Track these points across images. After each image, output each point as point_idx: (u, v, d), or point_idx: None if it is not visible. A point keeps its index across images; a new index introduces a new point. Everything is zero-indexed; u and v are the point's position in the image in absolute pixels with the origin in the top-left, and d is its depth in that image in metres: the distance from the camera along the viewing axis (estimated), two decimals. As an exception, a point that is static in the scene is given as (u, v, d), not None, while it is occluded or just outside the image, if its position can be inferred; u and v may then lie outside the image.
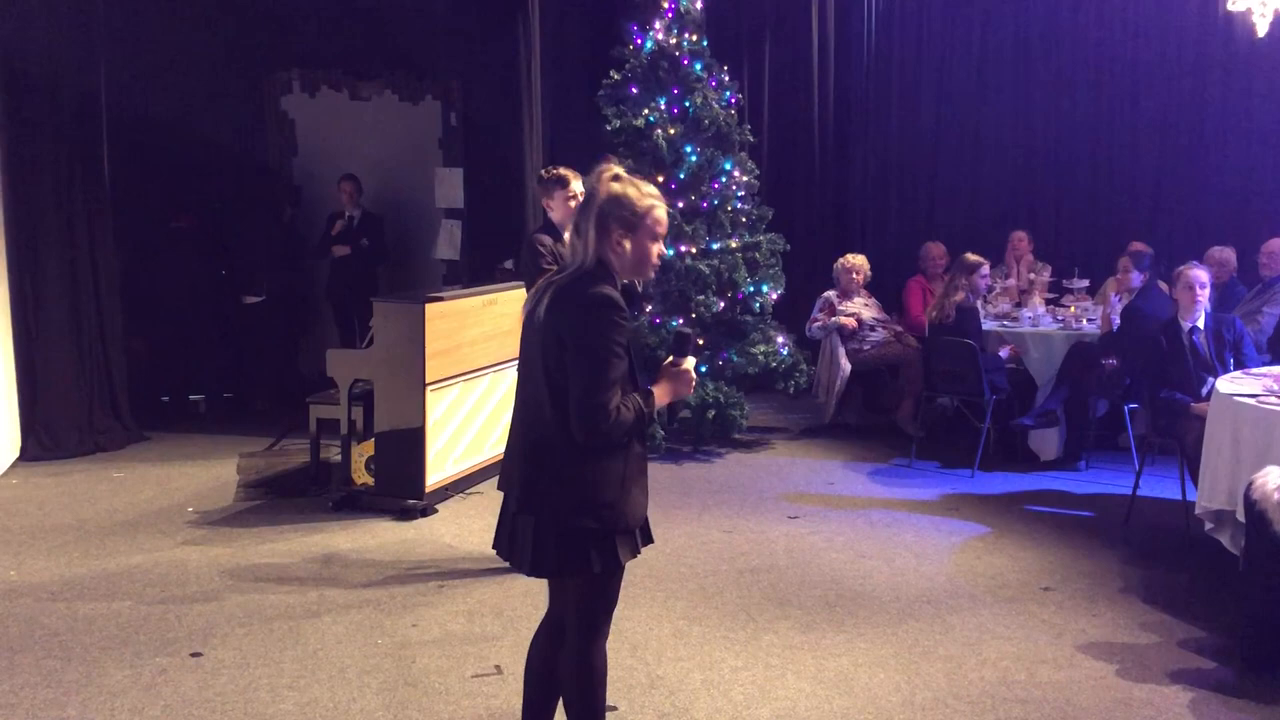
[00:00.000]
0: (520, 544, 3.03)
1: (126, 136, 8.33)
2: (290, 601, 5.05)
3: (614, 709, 3.95)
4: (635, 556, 3.10)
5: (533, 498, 2.99)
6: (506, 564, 3.24)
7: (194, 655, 4.45)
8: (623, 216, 2.97)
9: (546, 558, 2.98)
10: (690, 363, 3.16)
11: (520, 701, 3.96)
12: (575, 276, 2.96)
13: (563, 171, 5.39)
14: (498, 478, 3.22)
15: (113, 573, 5.43)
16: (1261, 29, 7.60)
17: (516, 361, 3.26)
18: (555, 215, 5.37)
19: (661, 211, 3.04)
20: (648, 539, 3.15)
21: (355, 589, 5.21)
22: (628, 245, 2.99)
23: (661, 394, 3.10)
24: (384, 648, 4.54)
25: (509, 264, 8.73)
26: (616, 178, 3.01)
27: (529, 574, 3.07)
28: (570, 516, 2.95)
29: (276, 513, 6.44)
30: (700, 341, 8.05)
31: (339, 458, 6.79)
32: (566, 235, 5.10)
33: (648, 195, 3.02)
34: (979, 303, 7.79)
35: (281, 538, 5.99)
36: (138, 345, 8.91)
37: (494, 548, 3.22)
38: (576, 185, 5.31)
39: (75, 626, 4.75)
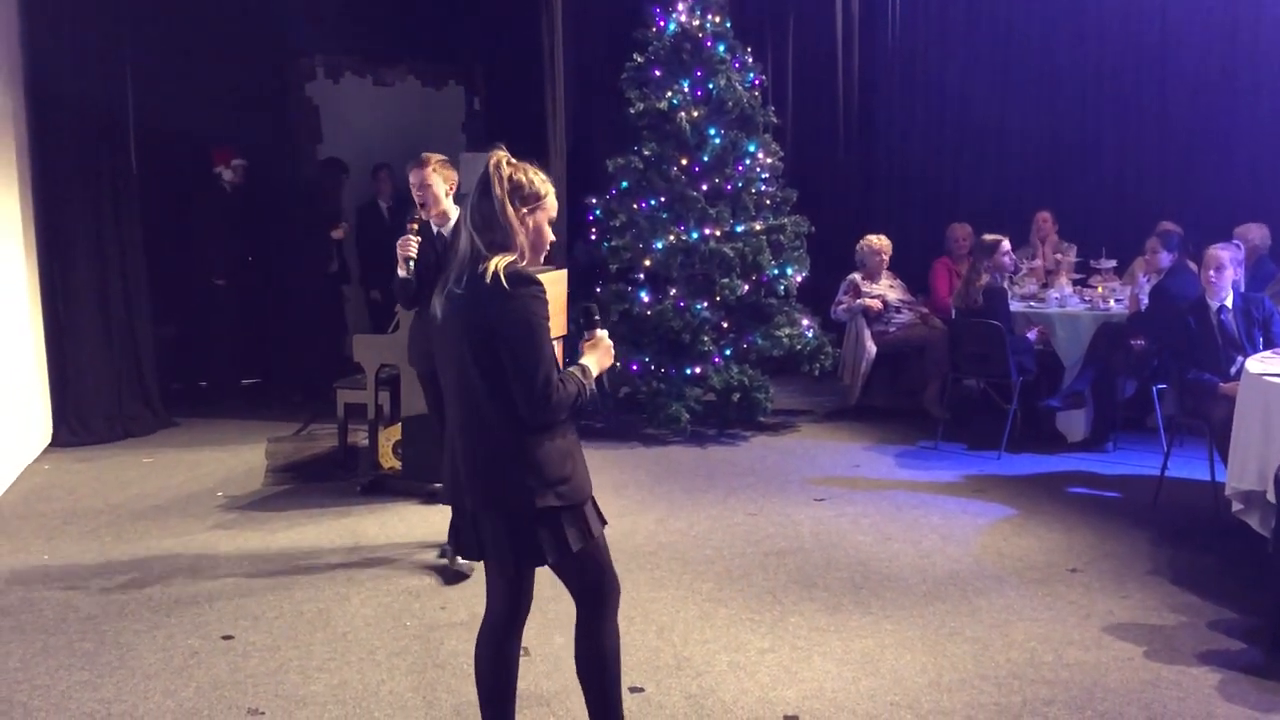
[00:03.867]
0: (493, 541, 3.01)
1: (152, 125, 8.38)
2: (319, 585, 5.10)
3: (640, 690, 3.97)
4: (604, 525, 3.14)
5: (492, 492, 2.98)
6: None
7: (225, 638, 4.50)
8: (524, 196, 3.01)
9: (528, 546, 2.98)
10: (603, 334, 3.20)
11: (546, 683, 4.00)
12: (481, 263, 2.94)
13: (423, 156, 5.25)
14: (442, 490, 3.20)
15: (143, 557, 5.49)
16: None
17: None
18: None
19: (554, 195, 3.12)
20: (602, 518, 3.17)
21: (384, 572, 5.25)
22: (530, 224, 3.03)
23: (590, 363, 3.11)
24: (413, 630, 4.58)
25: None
26: (510, 162, 3.05)
27: (517, 568, 3.07)
28: (534, 499, 2.95)
29: (305, 497, 6.50)
30: (725, 324, 8.04)
31: (366, 442, 6.83)
32: (438, 227, 5.16)
33: (545, 180, 3.09)
34: (1006, 282, 7.73)
35: (310, 522, 6.04)
36: (166, 332, 8.98)
37: (464, 556, 3.21)
38: (421, 176, 5.16)
39: (108, 610, 4.81)
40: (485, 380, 2.94)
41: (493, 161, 3.03)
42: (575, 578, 3.12)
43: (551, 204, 3.09)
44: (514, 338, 2.88)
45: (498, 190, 2.97)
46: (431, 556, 5.43)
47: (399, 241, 5.07)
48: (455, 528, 3.15)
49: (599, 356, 3.15)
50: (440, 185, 5.20)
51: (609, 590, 3.17)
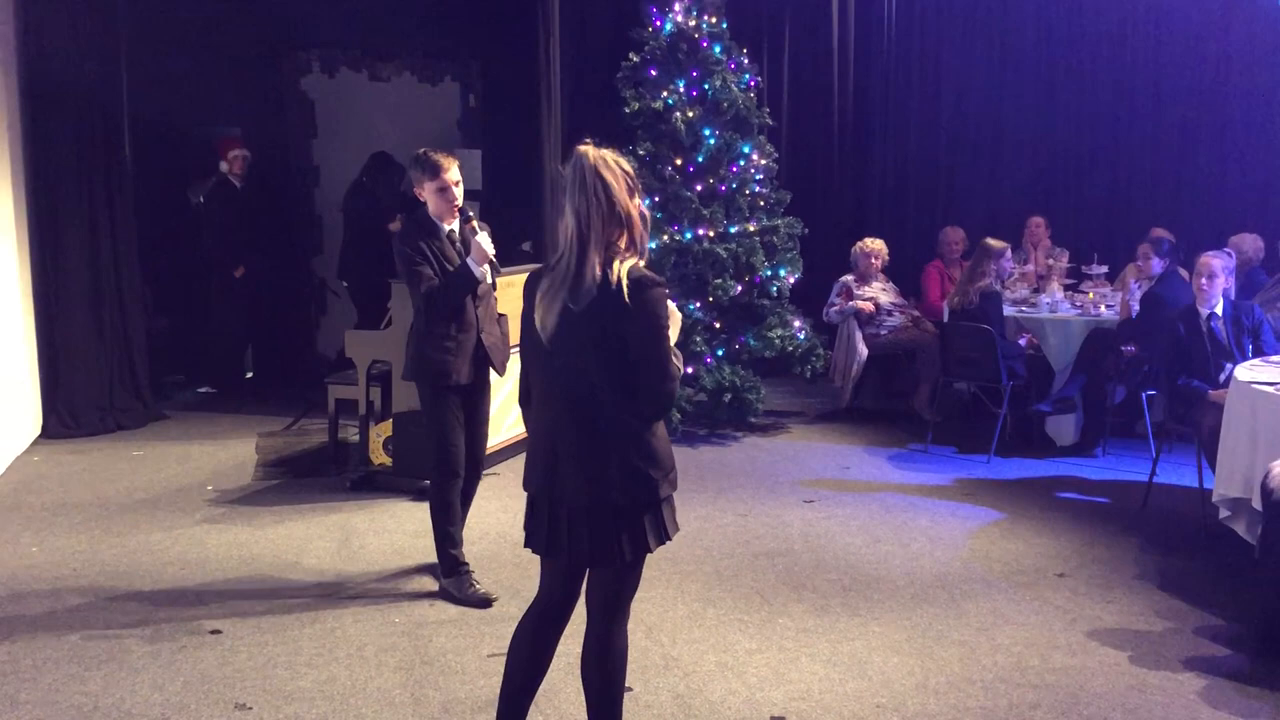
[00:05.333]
0: (604, 534, 2.99)
1: (146, 117, 8.37)
2: (308, 580, 5.10)
3: (628, 690, 3.97)
4: None
5: (616, 487, 2.98)
6: (521, 543, 3.21)
7: (213, 632, 4.50)
8: (638, 188, 3.02)
9: (636, 536, 3.01)
10: (672, 306, 3.17)
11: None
12: (607, 264, 2.93)
13: (435, 156, 4.79)
14: (526, 478, 3.16)
15: (133, 550, 5.48)
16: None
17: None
18: (430, 207, 4.82)
19: None
20: None
21: (373, 568, 5.25)
22: (641, 214, 3.03)
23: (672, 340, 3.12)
24: (401, 627, 4.58)
25: (527, 245, 8.74)
26: (613, 156, 3.01)
27: (621, 563, 3.04)
28: (658, 490, 3.01)
29: (295, 492, 6.50)
30: (717, 325, 8.06)
31: (357, 438, 6.82)
32: (449, 227, 4.80)
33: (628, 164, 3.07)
34: (998, 286, 7.76)
35: (300, 517, 6.04)
36: (159, 325, 8.98)
37: (543, 553, 3.12)
38: (453, 173, 4.77)
39: (96, 603, 4.80)
40: (611, 383, 2.95)
41: (596, 161, 2.96)
42: (626, 577, 3.10)
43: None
44: (645, 342, 2.92)
45: (621, 190, 2.95)
46: (420, 552, 5.42)
47: (481, 238, 4.73)
48: (543, 523, 3.10)
49: (674, 328, 3.15)
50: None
51: (632, 598, 3.18)
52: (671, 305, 3.17)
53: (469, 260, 4.74)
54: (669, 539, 3.10)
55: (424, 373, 4.86)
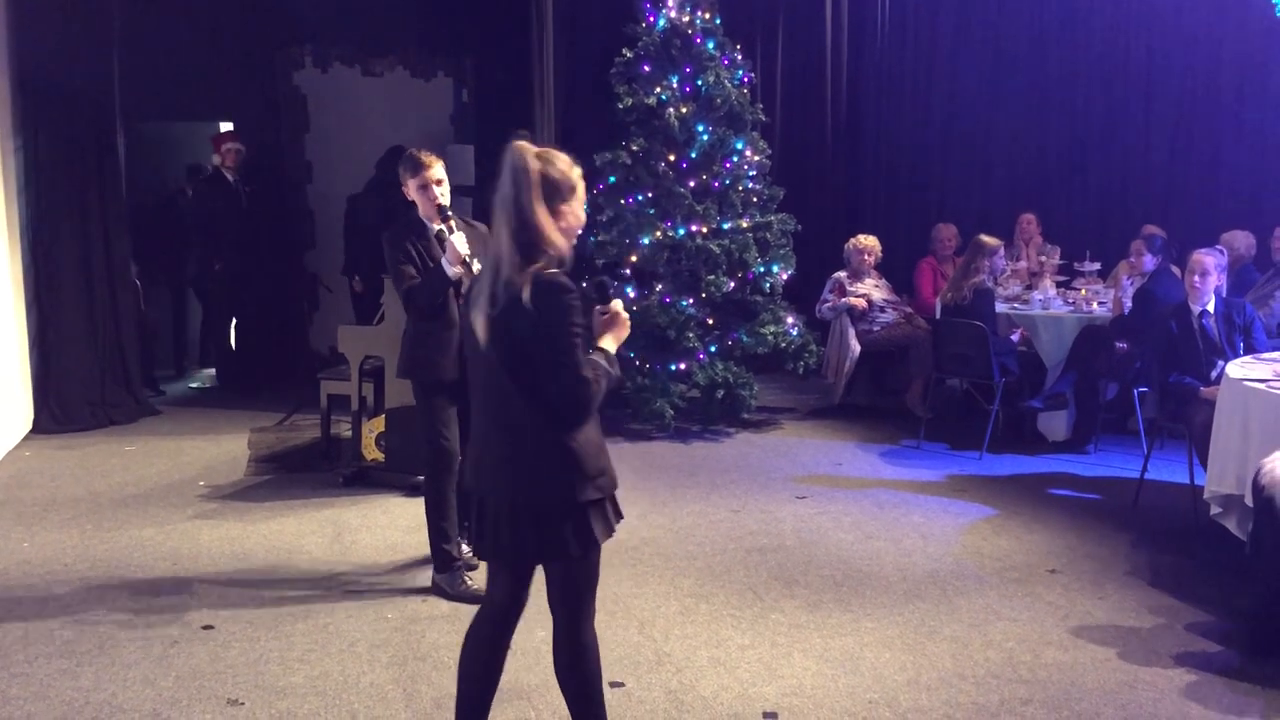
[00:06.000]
0: (518, 536, 2.97)
1: (139, 112, 8.35)
2: (300, 575, 5.09)
3: (621, 685, 3.98)
4: (620, 520, 3.12)
5: (533, 488, 2.95)
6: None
7: (205, 628, 4.49)
8: (560, 193, 2.93)
9: (555, 540, 2.96)
10: (617, 304, 3.13)
11: (527, 676, 4.00)
12: (517, 269, 2.87)
13: (419, 154, 4.85)
14: (460, 476, 3.14)
15: (125, 545, 5.47)
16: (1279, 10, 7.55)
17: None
18: (419, 207, 4.87)
19: (580, 175, 3.02)
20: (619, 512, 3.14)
21: (365, 564, 5.25)
22: (567, 216, 2.95)
23: (609, 345, 3.05)
24: (394, 622, 4.58)
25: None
26: (538, 155, 2.93)
27: (545, 561, 3.03)
28: (577, 494, 2.94)
29: (287, 487, 6.49)
30: (710, 321, 8.07)
31: (350, 433, 6.81)
32: (437, 227, 4.76)
33: (571, 164, 2.99)
34: (991, 283, 7.78)
35: (292, 512, 6.03)
36: (152, 320, 8.97)
37: (478, 555, 3.11)
38: (436, 171, 4.82)
39: (88, 598, 4.79)
40: (521, 387, 2.90)
41: (517, 158, 2.89)
42: (575, 575, 3.06)
43: (582, 188, 3.00)
44: (549, 347, 2.84)
45: (528, 192, 2.87)
46: (413, 548, 5.42)
47: (455, 239, 4.70)
48: (476, 523, 3.09)
49: (616, 331, 3.09)
50: None
51: (594, 594, 3.14)
52: (623, 314, 3.11)
53: (444, 260, 4.74)
54: (598, 545, 3.01)
55: (413, 370, 4.92)
